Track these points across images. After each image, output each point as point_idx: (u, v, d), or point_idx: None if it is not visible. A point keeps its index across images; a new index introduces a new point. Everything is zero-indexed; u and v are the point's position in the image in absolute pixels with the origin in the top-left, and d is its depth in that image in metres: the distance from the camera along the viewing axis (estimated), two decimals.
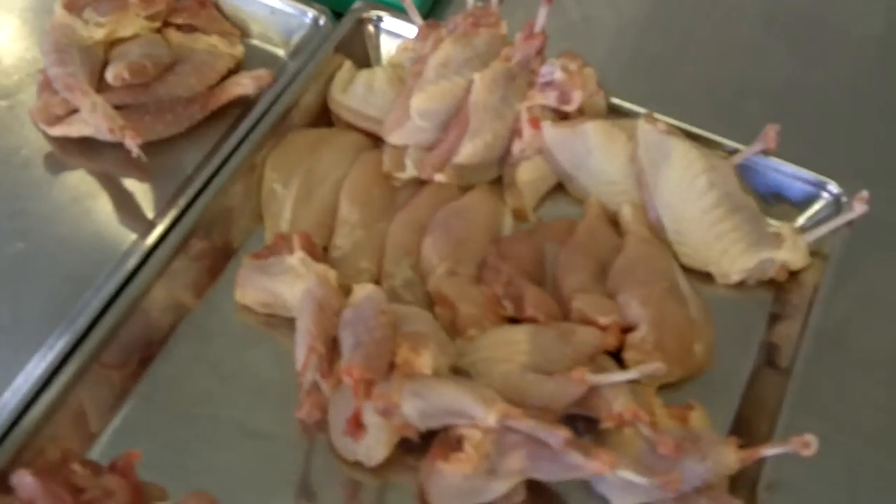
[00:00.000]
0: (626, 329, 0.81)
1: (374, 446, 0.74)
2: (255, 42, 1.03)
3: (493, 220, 0.90)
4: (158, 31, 0.97)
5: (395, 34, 1.00)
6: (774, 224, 0.90)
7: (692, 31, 1.12)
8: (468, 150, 0.90)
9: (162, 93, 0.92)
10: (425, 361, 0.73)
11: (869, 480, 0.80)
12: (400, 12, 0.98)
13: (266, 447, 0.77)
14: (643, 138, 0.89)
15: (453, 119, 0.91)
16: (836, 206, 0.90)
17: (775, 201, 0.92)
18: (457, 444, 0.72)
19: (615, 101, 0.94)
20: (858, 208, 0.86)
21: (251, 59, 1.00)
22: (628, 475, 0.68)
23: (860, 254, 0.89)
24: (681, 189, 0.88)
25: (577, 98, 0.90)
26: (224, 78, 0.96)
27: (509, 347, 0.78)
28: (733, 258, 0.87)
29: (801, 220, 0.92)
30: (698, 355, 0.82)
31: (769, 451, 0.72)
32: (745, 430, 0.79)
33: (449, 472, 0.72)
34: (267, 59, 1.01)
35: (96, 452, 0.76)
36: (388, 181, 0.92)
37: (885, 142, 1.02)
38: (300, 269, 0.80)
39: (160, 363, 0.81)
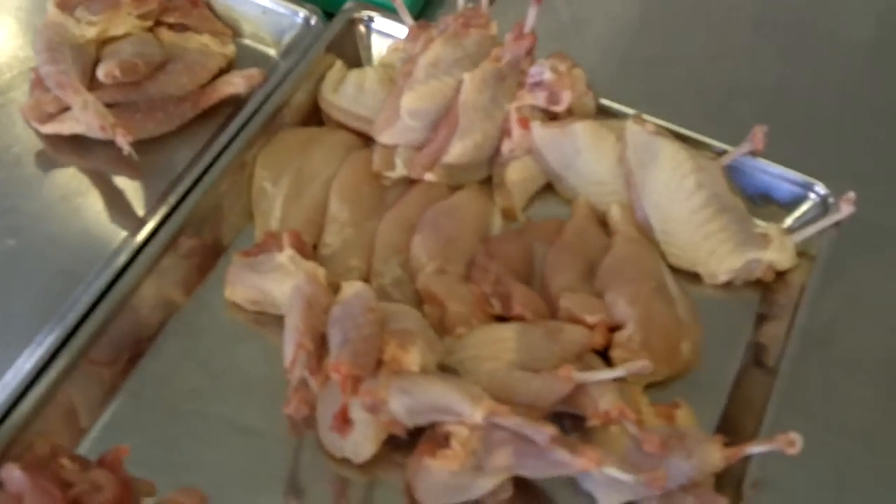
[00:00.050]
0: (614, 328, 0.82)
1: (362, 443, 0.75)
2: (247, 41, 1.03)
3: (482, 220, 0.90)
4: (150, 30, 0.97)
5: (386, 34, 1.00)
6: (762, 225, 0.90)
7: (682, 33, 1.12)
8: (458, 150, 0.90)
9: (153, 91, 0.93)
10: (413, 358, 0.73)
11: (854, 479, 0.81)
12: (391, 13, 0.99)
13: (255, 443, 0.77)
14: (632, 139, 0.90)
15: (443, 119, 0.91)
16: (824, 208, 0.90)
17: (763, 202, 0.92)
18: (444, 441, 0.73)
19: (604, 101, 0.95)
20: (845, 209, 0.86)
21: (242, 58, 1.00)
22: (614, 472, 0.68)
23: (847, 255, 0.89)
24: (669, 189, 0.88)
25: (566, 98, 0.90)
26: (215, 77, 0.97)
27: (497, 345, 0.78)
28: (721, 258, 0.88)
29: (788, 220, 0.92)
30: (685, 354, 0.83)
31: (754, 448, 0.72)
32: (731, 428, 0.79)
33: (436, 469, 0.72)
34: (258, 59, 1.01)
35: (85, 448, 0.76)
36: (377, 180, 0.92)
37: (872, 144, 1.03)
38: (289, 266, 0.80)
39: (149, 359, 0.81)
